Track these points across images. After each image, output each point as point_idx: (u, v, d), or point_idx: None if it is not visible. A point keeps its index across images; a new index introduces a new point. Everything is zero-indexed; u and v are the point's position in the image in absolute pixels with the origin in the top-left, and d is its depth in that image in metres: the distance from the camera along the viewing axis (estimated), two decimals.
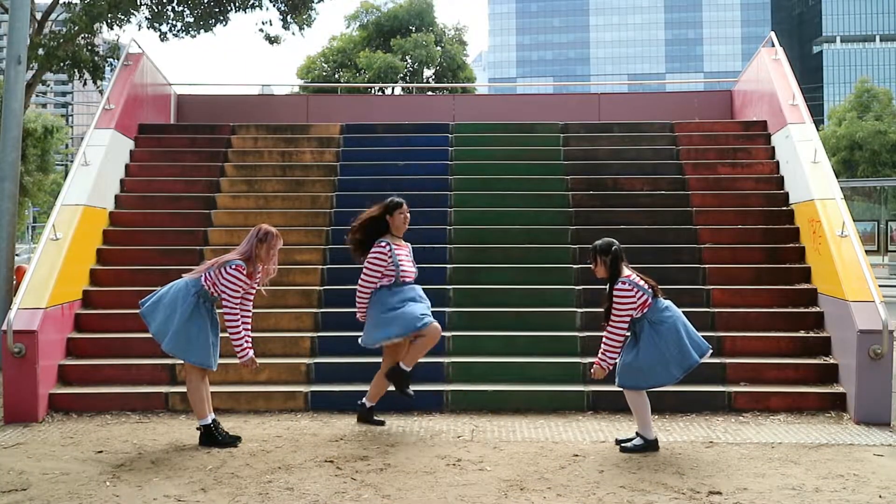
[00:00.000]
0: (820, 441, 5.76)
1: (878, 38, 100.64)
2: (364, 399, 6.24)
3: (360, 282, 5.98)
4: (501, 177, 9.47)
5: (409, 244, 6.21)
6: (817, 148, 8.29)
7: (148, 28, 13.48)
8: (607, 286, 5.50)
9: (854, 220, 7.43)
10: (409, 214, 6.11)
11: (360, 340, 6.15)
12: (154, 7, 13.33)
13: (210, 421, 5.64)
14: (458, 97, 15.93)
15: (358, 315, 6.12)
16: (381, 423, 6.19)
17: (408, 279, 5.98)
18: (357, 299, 6.05)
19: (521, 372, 6.96)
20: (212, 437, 5.61)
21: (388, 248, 5.92)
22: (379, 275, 5.92)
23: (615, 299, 5.41)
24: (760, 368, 6.87)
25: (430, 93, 27.50)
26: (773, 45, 10.19)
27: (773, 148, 9.54)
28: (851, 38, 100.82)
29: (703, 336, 7.13)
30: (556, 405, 6.65)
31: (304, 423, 6.31)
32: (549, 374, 6.94)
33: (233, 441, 5.65)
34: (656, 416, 6.41)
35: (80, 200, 8.00)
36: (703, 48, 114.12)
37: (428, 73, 32.62)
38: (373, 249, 5.94)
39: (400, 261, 5.93)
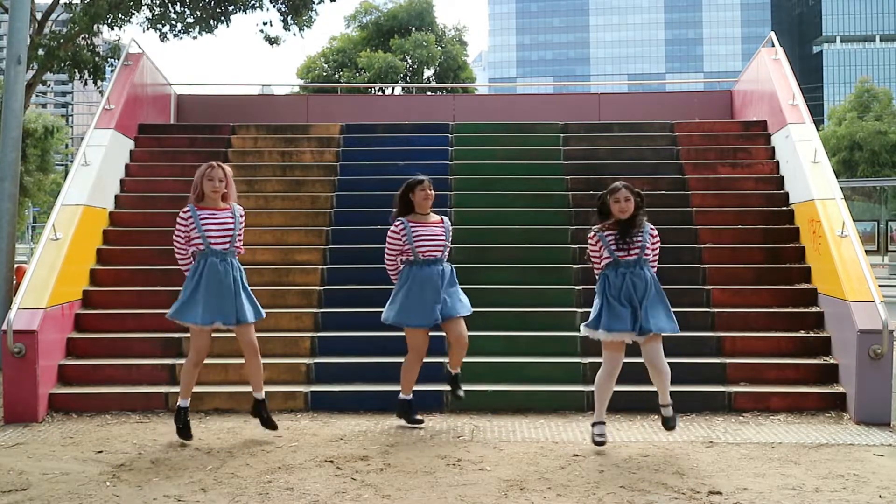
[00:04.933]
0: (820, 441, 5.76)
1: (878, 38, 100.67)
2: (401, 394, 6.21)
3: (384, 256, 6.20)
4: (501, 177, 9.47)
5: (443, 219, 6.19)
6: (817, 148, 8.29)
7: (149, 28, 13.49)
8: (620, 229, 5.43)
9: (854, 220, 7.42)
10: (430, 191, 6.09)
11: (381, 317, 6.20)
12: (155, 8, 13.33)
13: (186, 405, 5.75)
14: (458, 97, 15.94)
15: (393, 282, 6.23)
16: (420, 422, 6.19)
17: (426, 254, 5.97)
18: (388, 272, 6.23)
19: (521, 372, 6.96)
20: (180, 419, 5.73)
21: (401, 226, 6.02)
22: (395, 252, 6.07)
23: (655, 241, 5.52)
24: (760, 368, 6.87)
25: (430, 93, 27.50)
26: (773, 45, 10.18)
27: (773, 148, 9.54)
28: (851, 38, 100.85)
29: (702, 336, 7.21)
30: (556, 405, 6.65)
31: (304, 423, 6.31)
32: (549, 374, 6.94)
33: (185, 435, 5.69)
34: (656, 416, 6.40)
35: (80, 200, 8.00)
36: (703, 48, 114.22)
37: (428, 73, 32.65)
38: (391, 228, 6.09)
39: (416, 237, 5.96)
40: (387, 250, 6.12)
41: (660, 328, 5.39)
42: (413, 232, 5.99)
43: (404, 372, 6.16)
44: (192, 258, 5.75)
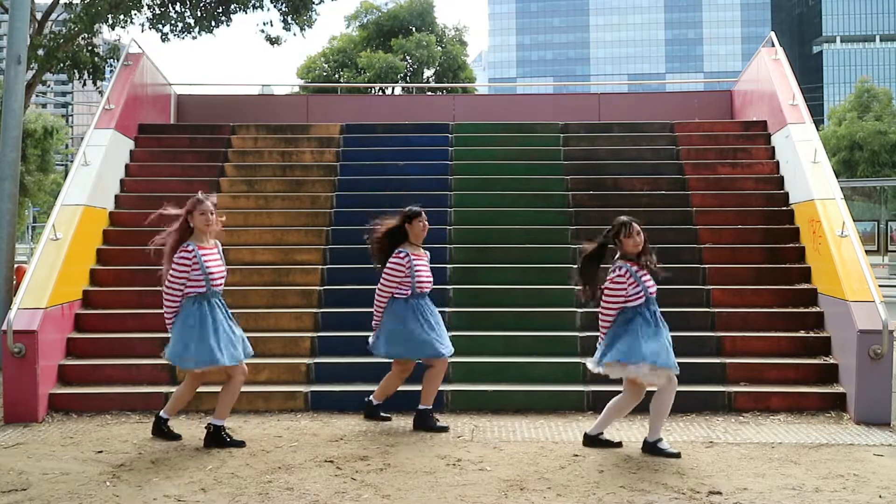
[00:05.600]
0: (820, 441, 5.76)
1: (878, 38, 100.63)
2: (371, 396, 6.35)
3: (377, 288, 6.05)
4: (501, 177, 9.47)
5: (427, 253, 6.28)
6: (817, 148, 8.29)
7: (149, 28, 13.49)
8: (643, 260, 5.36)
9: (854, 220, 7.42)
10: (427, 223, 6.16)
11: (368, 342, 6.20)
12: (156, 8, 13.33)
13: (222, 423, 5.66)
14: (458, 97, 15.94)
15: (373, 321, 6.14)
16: (388, 419, 6.30)
17: (424, 289, 6.05)
18: (375, 304, 6.10)
19: (521, 372, 6.96)
20: (220, 440, 5.62)
21: (406, 258, 5.99)
22: (396, 284, 6.00)
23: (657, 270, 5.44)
24: (760, 368, 6.87)
25: (430, 93, 27.49)
26: (773, 45, 10.19)
27: (773, 148, 9.54)
28: (851, 38, 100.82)
29: (702, 336, 7.21)
30: (556, 405, 6.65)
31: (304, 423, 6.31)
32: (549, 374, 6.94)
33: (239, 443, 5.64)
34: None
35: (80, 200, 8.00)
36: (703, 48, 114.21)
37: (428, 73, 32.63)
38: (392, 258, 6.02)
39: (417, 271, 6.00)
40: (387, 282, 5.97)
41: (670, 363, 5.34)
42: (415, 265, 6.00)
43: (385, 381, 6.25)
44: (180, 303, 5.54)
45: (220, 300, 5.62)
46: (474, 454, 5.41)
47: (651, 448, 5.40)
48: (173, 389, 6.71)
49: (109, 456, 5.41)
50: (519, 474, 4.98)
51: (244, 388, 6.71)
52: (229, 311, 5.72)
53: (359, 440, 5.79)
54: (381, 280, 6.02)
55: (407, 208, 6.19)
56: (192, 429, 6.05)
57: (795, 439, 5.80)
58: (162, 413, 5.85)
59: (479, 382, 6.86)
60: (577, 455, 5.39)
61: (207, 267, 5.49)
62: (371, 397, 6.34)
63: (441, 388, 6.68)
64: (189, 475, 4.96)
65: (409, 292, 5.98)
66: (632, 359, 5.21)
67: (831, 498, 4.55)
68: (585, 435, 5.64)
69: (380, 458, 5.32)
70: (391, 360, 6.20)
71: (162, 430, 5.81)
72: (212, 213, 5.56)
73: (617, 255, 5.45)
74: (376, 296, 6.06)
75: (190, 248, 5.50)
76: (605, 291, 5.37)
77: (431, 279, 6.18)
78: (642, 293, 5.31)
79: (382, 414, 6.32)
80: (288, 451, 5.50)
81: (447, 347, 6.06)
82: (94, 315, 7.60)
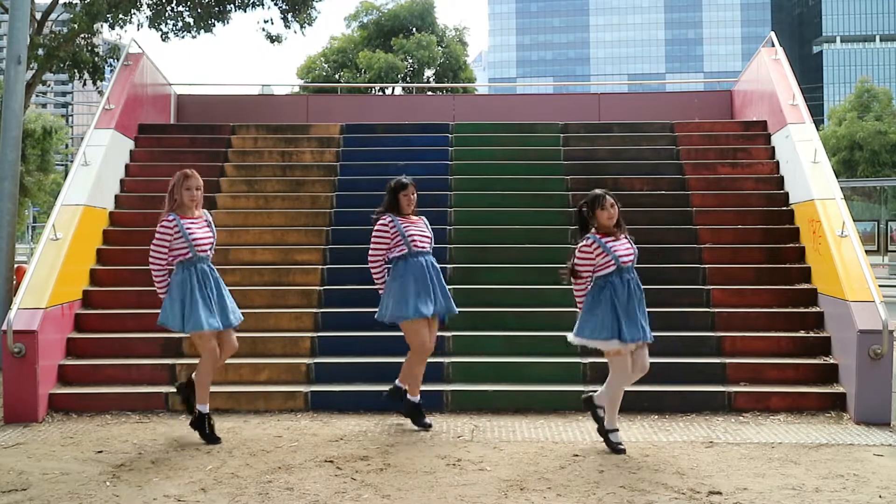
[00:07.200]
0: (820, 441, 5.76)
1: (878, 38, 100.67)
2: (408, 396, 6.19)
3: (368, 257, 6.09)
4: (501, 177, 9.47)
5: (423, 218, 6.19)
6: (817, 148, 8.29)
7: (149, 28, 13.50)
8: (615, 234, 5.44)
9: (854, 220, 7.42)
10: (413, 196, 6.08)
11: (376, 315, 6.12)
12: (154, 7, 13.34)
13: (207, 410, 5.74)
14: (458, 97, 15.95)
15: (378, 290, 6.12)
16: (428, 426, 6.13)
17: (419, 247, 5.98)
18: (372, 273, 6.11)
19: (521, 372, 6.96)
20: (204, 425, 5.72)
21: (389, 220, 6.00)
22: (383, 249, 6.01)
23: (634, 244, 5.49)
24: (760, 368, 6.87)
25: (430, 93, 27.50)
26: (773, 45, 10.18)
27: (773, 148, 9.54)
28: (851, 38, 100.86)
29: (702, 336, 7.21)
30: (556, 405, 6.64)
31: (304, 423, 6.31)
32: (549, 374, 6.94)
33: (214, 440, 5.69)
34: (656, 416, 6.42)
35: (80, 200, 8.00)
36: (703, 48, 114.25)
37: (428, 73, 32.64)
38: (377, 224, 6.04)
39: (407, 229, 5.97)
40: (373, 249, 6.03)
41: (651, 336, 5.44)
42: (402, 225, 6.00)
43: (408, 371, 6.08)
44: (167, 272, 5.74)
45: (208, 265, 5.74)
46: (474, 454, 5.41)
47: (604, 435, 5.53)
48: (174, 389, 6.73)
49: (109, 456, 5.41)
50: (519, 474, 4.98)
51: (244, 388, 6.74)
52: (220, 277, 5.82)
53: (359, 440, 5.79)
54: (370, 247, 6.05)
55: (395, 179, 6.15)
56: (191, 429, 6.04)
57: (795, 439, 5.80)
58: (201, 407, 5.77)
59: (479, 382, 6.86)
60: (577, 455, 5.39)
61: (190, 233, 5.64)
62: (408, 395, 6.15)
63: (441, 389, 6.70)
64: (189, 475, 4.97)
65: (406, 250, 5.95)
66: (602, 335, 5.35)
67: (831, 498, 4.55)
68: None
69: (380, 458, 5.33)
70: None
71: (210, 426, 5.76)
72: (197, 189, 5.75)
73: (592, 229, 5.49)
74: (369, 264, 6.06)
75: (171, 217, 5.69)
76: (574, 262, 5.49)
77: (428, 235, 6.09)
78: (612, 261, 5.36)
79: (426, 420, 6.13)
80: (288, 451, 5.50)
81: (450, 307, 6.06)
82: (94, 315, 7.60)
